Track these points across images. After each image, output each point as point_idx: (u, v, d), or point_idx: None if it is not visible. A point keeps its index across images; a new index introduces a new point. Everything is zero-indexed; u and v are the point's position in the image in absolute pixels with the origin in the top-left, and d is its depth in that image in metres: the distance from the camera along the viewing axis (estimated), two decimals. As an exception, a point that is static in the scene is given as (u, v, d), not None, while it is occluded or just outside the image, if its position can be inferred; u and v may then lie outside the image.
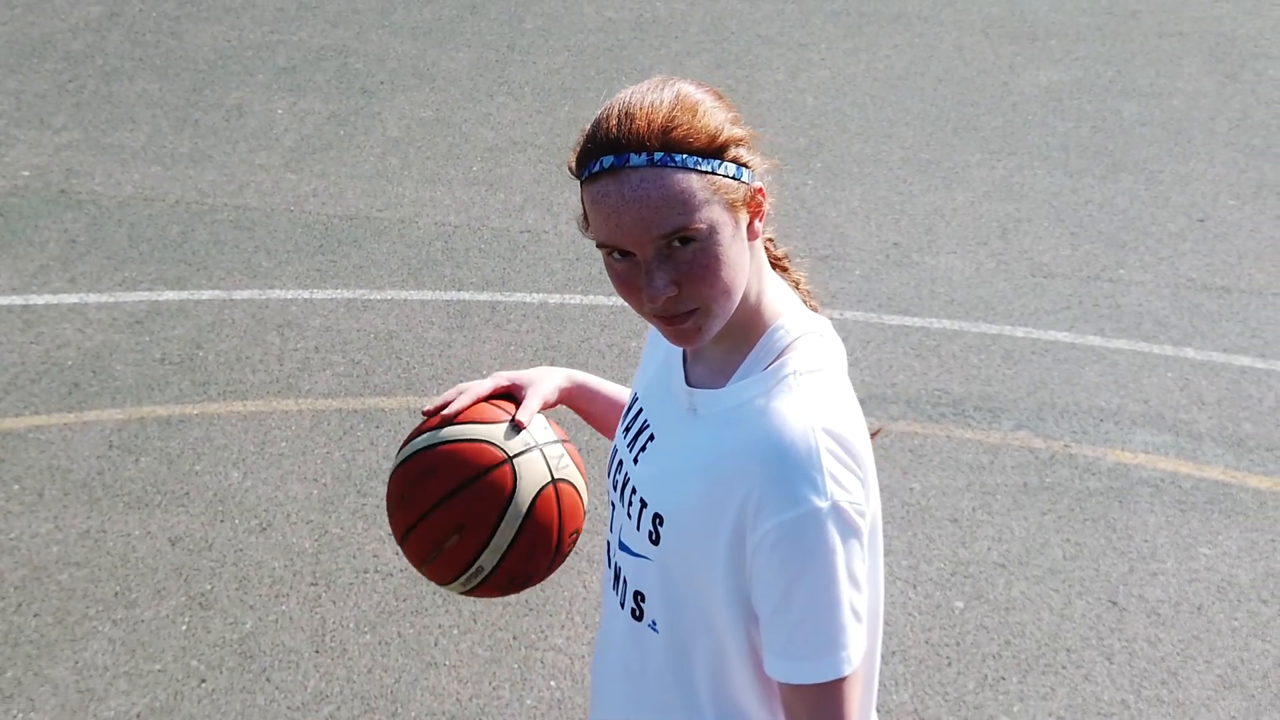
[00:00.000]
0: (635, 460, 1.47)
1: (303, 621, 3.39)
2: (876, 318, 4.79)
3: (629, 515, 1.44)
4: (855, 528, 1.27)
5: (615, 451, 1.54)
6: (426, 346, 4.58)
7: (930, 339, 4.67)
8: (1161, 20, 7.69)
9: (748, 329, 1.38)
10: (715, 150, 1.27)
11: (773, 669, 1.30)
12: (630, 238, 1.26)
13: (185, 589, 3.49)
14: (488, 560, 1.56)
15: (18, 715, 3.09)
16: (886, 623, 3.35)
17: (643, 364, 1.60)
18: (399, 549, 1.65)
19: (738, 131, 1.30)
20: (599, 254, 1.33)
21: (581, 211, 1.33)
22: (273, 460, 3.99)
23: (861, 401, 1.41)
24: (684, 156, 1.25)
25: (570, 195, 5.57)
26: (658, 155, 1.24)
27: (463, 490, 1.55)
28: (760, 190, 1.33)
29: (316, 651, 3.29)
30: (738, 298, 1.32)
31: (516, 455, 1.57)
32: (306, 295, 4.90)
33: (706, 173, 1.26)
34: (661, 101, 1.27)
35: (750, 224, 1.33)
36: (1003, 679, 3.24)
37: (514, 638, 3.33)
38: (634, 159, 1.24)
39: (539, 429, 1.62)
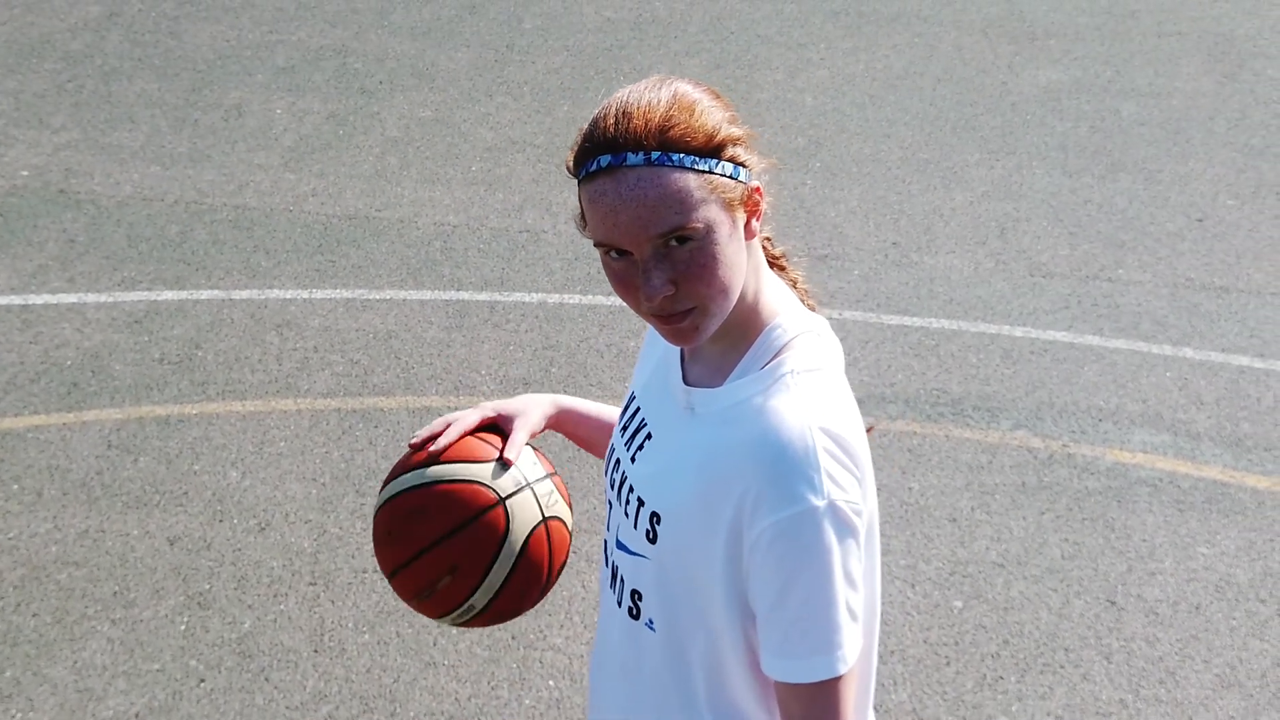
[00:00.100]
0: (633, 459, 1.47)
1: (301, 621, 3.39)
2: (875, 317, 4.79)
3: (626, 514, 1.44)
4: (852, 527, 1.27)
5: (613, 450, 1.55)
6: (425, 346, 4.58)
7: (929, 339, 4.67)
8: (1160, 20, 7.70)
9: (745, 328, 1.38)
10: (712, 149, 1.27)
11: (768, 667, 1.30)
12: (627, 237, 1.26)
13: (184, 589, 3.49)
14: (480, 599, 1.57)
15: (16, 715, 3.09)
16: (885, 622, 3.35)
17: (640, 362, 1.60)
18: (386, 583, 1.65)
19: (735, 130, 1.30)
20: (597, 253, 1.32)
21: (579, 210, 1.33)
22: (271, 460, 3.99)
23: (860, 401, 1.41)
24: (681, 156, 1.25)
25: (569, 195, 5.57)
26: (655, 154, 1.25)
27: (456, 534, 1.54)
28: (757, 189, 1.33)
29: (315, 651, 3.29)
30: (735, 297, 1.32)
31: (509, 496, 1.57)
32: (305, 295, 4.91)
33: (704, 172, 1.26)
34: (659, 100, 1.28)
35: (747, 223, 1.33)
36: (1001, 678, 3.24)
37: (512, 637, 3.33)
38: (631, 158, 1.24)
39: (528, 464, 1.62)
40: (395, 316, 4.77)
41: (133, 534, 3.68)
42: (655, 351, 1.54)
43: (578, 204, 1.34)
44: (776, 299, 1.41)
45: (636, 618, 1.44)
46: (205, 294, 4.90)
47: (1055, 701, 3.17)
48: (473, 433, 1.64)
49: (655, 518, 1.38)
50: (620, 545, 1.46)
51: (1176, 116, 6.47)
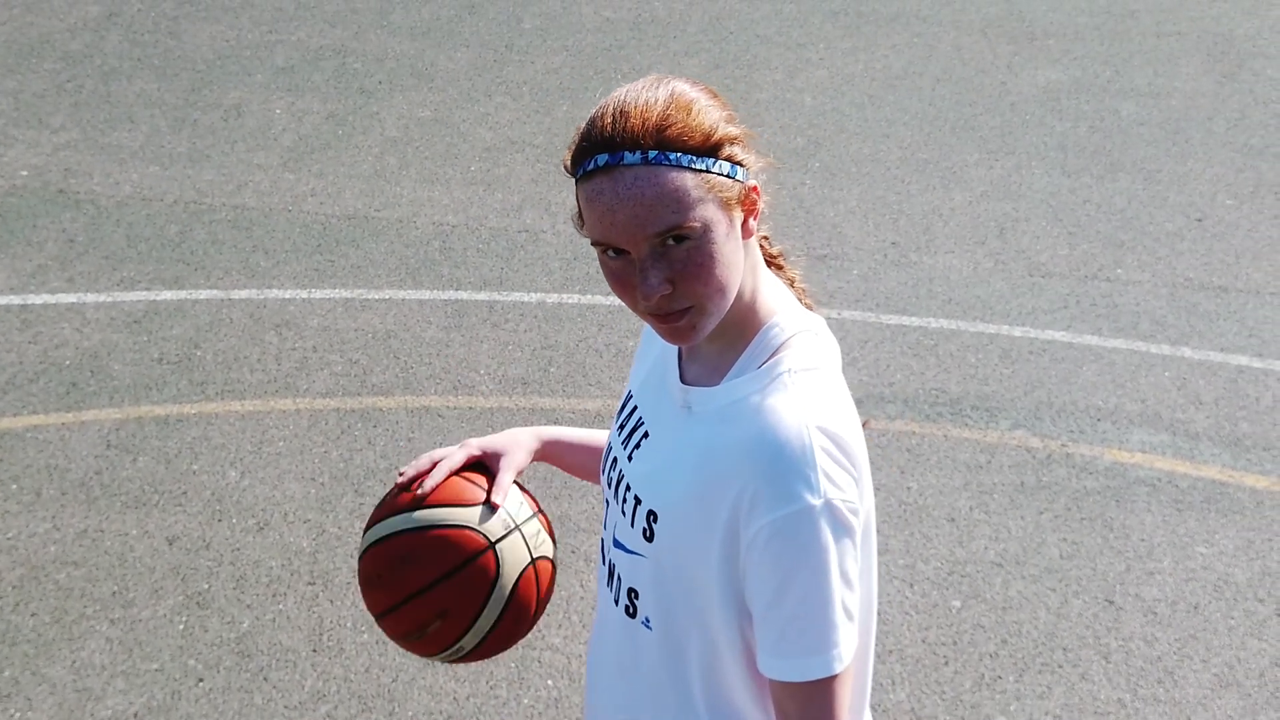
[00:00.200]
0: (630, 457, 1.47)
1: (300, 621, 3.39)
2: (874, 317, 4.79)
3: (623, 512, 1.45)
4: (848, 526, 1.27)
5: (610, 449, 1.55)
6: (424, 346, 4.59)
7: (928, 338, 4.67)
8: (1159, 20, 7.70)
9: (742, 327, 1.38)
10: (710, 148, 1.27)
11: (764, 666, 1.30)
12: (624, 236, 1.26)
13: (183, 588, 3.49)
14: (470, 641, 1.57)
15: (15, 715, 3.09)
16: (883, 621, 3.35)
17: (637, 361, 1.61)
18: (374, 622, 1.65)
19: (732, 130, 1.30)
20: (596, 253, 1.33)
21: (577, 210, 1.33)
22: (270, 460, 3.99)
23: (859, 400, 1.41)
24: (678, 155, 1.25)
25: (568, 195, 5.57)
26: (652, 153, 1.25)
27: (447, 579, 1.54)
28: (755, 188, 1.33)
29: (314, 650, 3.29)
30: (732, 296, 1.32)
31: (498, 540, 1.57)
32: (304, 295, 4.91)
33: (701, 171, 1.26)
34: (656, 100, 1.28)
35: (745, 222, 1.33)
36: (999, 678, 3.24)
37: (511, 637, 3.33)
38: (628, 157, 1.24)
39: (515, 505, 1.62)
40: (394, 316, 4.77)
41: (131, 534, 3.68)
42: (652, 350, 1.54)
43: (575, 203, 1.34)
44: (774, 298, 1.41)
45: (633, 616, 1.45)
46: (204, 294, 4.90)
47: (1053, 701, 3.17)
48: (458, 472, 1.63)
49: (652, 516, 1.38)
50: (617, 543, 1.47)
51: (1175, 116, 6.47)
